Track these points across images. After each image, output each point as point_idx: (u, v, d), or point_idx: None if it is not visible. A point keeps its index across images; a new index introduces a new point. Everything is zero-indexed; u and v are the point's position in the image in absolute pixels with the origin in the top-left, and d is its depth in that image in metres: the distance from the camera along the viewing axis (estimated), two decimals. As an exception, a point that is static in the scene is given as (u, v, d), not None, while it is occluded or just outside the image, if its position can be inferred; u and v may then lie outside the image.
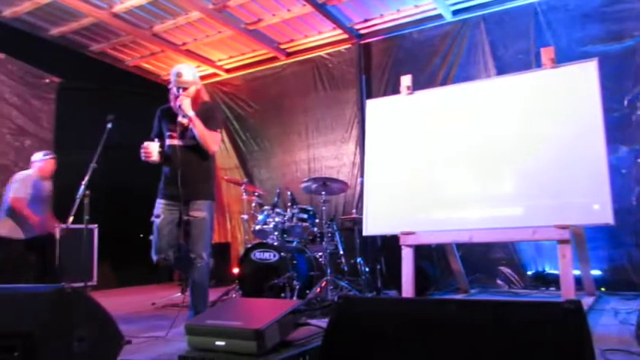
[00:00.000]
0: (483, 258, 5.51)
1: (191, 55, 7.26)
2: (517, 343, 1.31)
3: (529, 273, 5.31)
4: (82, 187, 3.63)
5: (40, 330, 2.06)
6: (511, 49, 5.71)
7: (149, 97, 3.92)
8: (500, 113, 4.25)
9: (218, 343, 1.67)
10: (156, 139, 3.48)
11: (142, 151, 3.41)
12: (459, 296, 4.76)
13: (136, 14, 6.18)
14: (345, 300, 1.60)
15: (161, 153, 3.47)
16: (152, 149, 3.40)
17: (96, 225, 6.23)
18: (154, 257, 3.49)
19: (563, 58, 4.25)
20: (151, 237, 3.54)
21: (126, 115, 4.20)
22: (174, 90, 3.42)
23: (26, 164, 6.05)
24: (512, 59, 5.65)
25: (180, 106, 3.36)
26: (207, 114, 3.46)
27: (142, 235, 7.01)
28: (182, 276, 3.68)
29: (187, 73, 3.43)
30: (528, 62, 5.47)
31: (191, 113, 3.36)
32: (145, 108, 4.63)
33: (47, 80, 6.35)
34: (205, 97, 3.75)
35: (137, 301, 5.51)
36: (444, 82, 5.94)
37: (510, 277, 5.37)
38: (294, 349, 1.70)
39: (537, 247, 5.29)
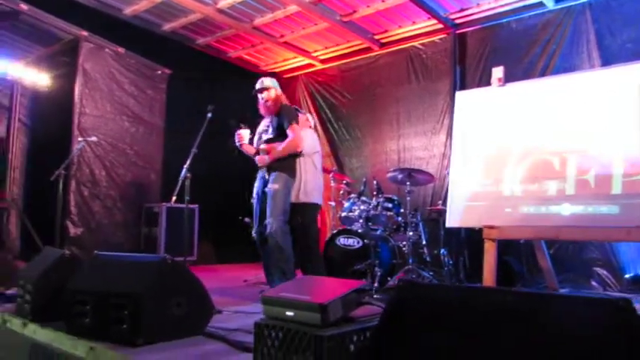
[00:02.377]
0: (577, 257, 5.25)
1: (288, 46, 7.57)
2: (562, 338, 1.33)
3: (627, 276, 4.99)
4: (184, 169, 4.01)
5: (146, 293, 2.43)
6: (619, 37, 5.34)
7: (249, 87, 4.21)
8: (600, 107, 3.99)
9: (288, 313, 1.88)
10: (247, 128, 4.14)
11: (236, 137, 4.12)
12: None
13: (238, 9, 6.57)
14: (405, 284, 1.71)
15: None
16: (244, 135, 4.09)
17: (197, 205, 6.64)
18: (253, 234, 4.08)
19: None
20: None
21: (228, 103, 4.55)
22: (259, 95, 4.09)
23: (140, 148, 6.72)
24: (620, 49, 5.28)
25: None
26: (280, 120, 3.99)
27: (240, 217, 7.48)
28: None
29: (267, 80, 4.16)
30: (638, 52, 5.10)
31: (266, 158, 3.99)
32: (245, 97, 4.94)
33: (159, 72, 6.97)
34: (285, 100, 4.20)
35: (232, 277, 5.95)
36: (543, 73, 5.69)
37: (606, 279, 5.07)
38: (355, 324, 1.85)
39: (638, 249, 4.97)
